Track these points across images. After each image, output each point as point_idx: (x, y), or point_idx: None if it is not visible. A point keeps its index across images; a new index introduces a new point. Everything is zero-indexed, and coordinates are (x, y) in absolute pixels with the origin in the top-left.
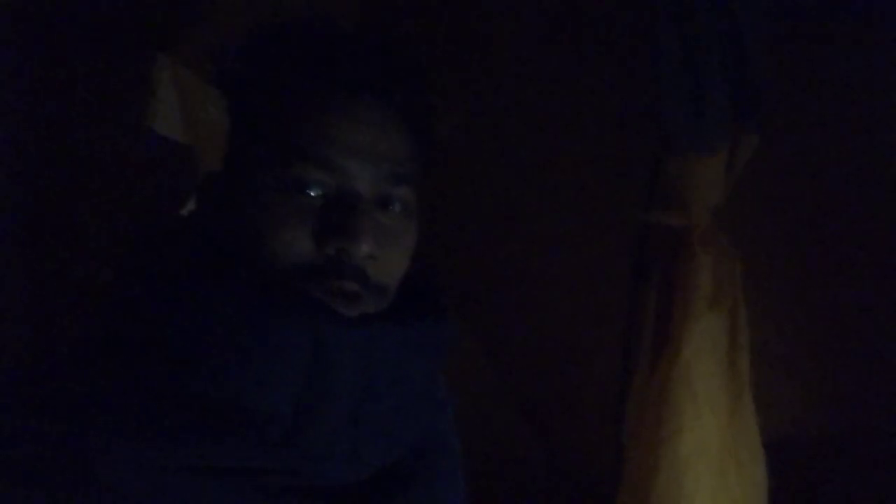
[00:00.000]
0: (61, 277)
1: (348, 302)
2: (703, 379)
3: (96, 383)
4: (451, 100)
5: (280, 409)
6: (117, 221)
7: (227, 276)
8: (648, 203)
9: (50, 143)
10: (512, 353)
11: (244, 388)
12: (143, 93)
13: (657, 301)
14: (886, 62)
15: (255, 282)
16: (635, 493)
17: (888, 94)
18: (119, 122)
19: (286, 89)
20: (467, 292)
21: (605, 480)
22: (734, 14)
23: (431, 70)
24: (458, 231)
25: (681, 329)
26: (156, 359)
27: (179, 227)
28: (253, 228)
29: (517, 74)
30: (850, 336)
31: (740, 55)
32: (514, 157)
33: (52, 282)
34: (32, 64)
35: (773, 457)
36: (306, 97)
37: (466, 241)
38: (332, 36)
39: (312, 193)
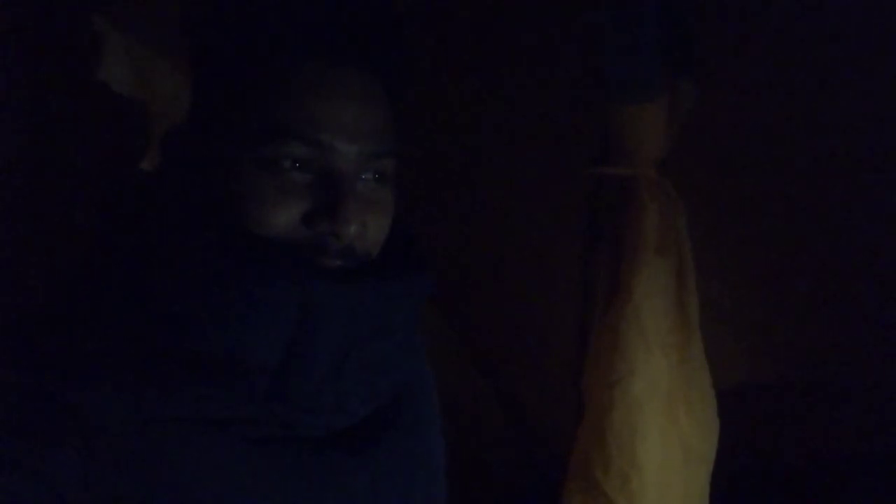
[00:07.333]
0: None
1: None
2: (653, 321)
3: (86, 337)
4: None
5: (267, 362)
6: (74, 173)
7: (209, 234)
8: (599, 158)
9: None
10: (471, 312)
11: (232, 340)
12: (91, 49)
13: (609, 250)
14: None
15: (239, 241)
16: (592, 433)
17: (835, 43)
18: (70, 77)
19: (264, 59)
20: None
21: (567, 432)
22: None
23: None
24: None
25: (630, 274)
26: (144, 311)
27: (155, 185)
28: (234, 202)
29: (470, 38)
30: (794, 292)
31: (672, 3)
32: (468, 126)
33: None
34: None
35: (721, 405)
36: (286, 68)
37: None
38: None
39: (295, 170)
